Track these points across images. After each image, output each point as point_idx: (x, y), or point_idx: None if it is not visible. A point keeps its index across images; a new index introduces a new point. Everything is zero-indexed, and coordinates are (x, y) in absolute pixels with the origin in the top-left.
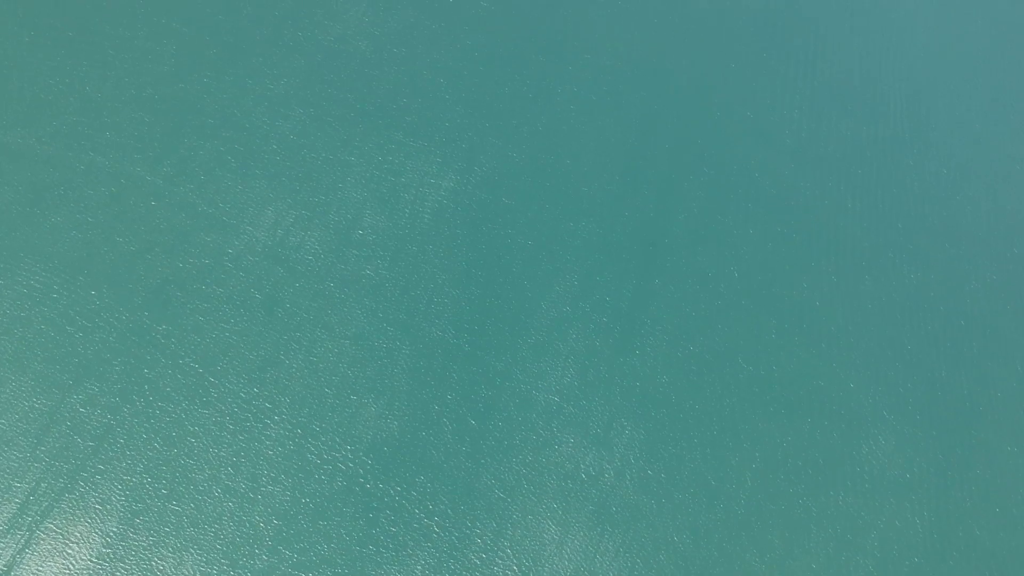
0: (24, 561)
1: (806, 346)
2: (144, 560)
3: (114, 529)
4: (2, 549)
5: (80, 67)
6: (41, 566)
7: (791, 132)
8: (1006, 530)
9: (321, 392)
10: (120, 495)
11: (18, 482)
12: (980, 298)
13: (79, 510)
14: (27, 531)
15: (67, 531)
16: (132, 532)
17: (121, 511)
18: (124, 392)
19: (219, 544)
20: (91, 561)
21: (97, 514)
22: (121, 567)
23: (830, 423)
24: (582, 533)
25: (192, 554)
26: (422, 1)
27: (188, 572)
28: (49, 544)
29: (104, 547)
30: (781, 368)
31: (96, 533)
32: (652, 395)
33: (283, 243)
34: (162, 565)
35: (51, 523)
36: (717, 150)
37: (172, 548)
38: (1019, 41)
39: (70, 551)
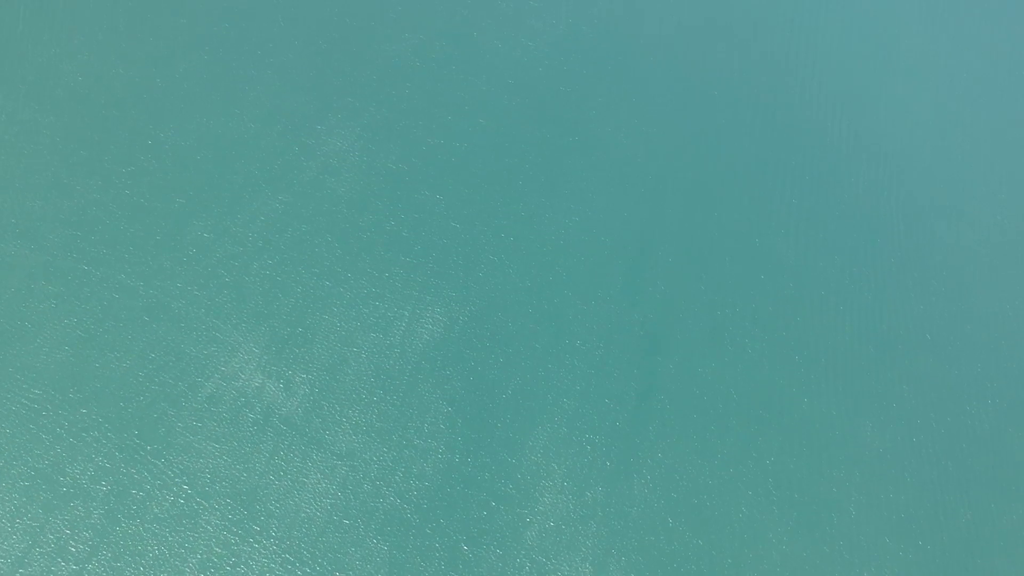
0: None
1: (805, 469)
2: None
3: None
4: None
5: (78, 180)
6: None
7: (792, 249)
8: None
9: (312, 515)
10: None
11: None
12: (982, 419)
13: None
14: None
15: None
16: None
17: None
18: (110, 513)
19: None
20: None
21: None
22: None
23: (830, 549)
24: None
25: None
26: (412, 129)
27: None
28: None
29: None
30: (780, 492)
31: None
32: (650, 522)
33: (278, 361)
34: None
35: None
36: (717, 267)
37: None
38: (1019, 163)
39: None
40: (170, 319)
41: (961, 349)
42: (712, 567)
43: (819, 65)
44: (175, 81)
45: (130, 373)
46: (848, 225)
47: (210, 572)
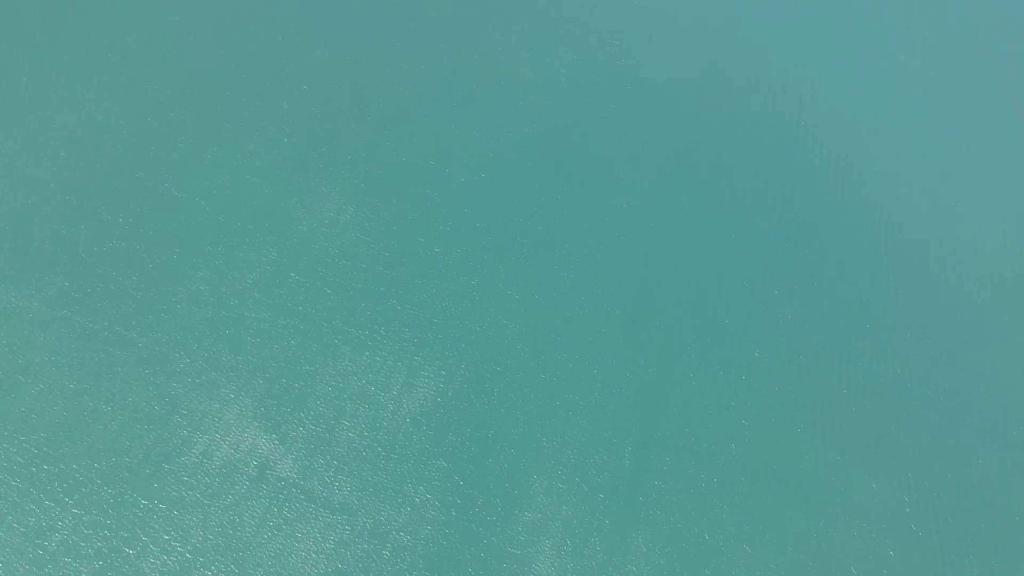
0: None
1: (805, 526)
2: None
3: None
4: None
5: (74, 230)
6: None
7: (790, 301)
8: None
9: (307, 572)
10: None
11: None
12: (986, 474)
13: None
14: None
15: None
16: None
17: None
18: (103, 571)
19: None
20: None
21: None
22: None
23: None
24: None
25: None
26: (410, 182)
27: None
28: None
29: None
30: (780, 550)
31: None
32: None
33: (273, 414)
34: None
35: None
36: (716, 320)
37: None
38: (1017, 213)
39: None
40: (165, 372)
41: (963, 402)
42: None
43: (817, 116)
44: (173, 132)
45: (124, 427)
46: (846, 277)
47: None
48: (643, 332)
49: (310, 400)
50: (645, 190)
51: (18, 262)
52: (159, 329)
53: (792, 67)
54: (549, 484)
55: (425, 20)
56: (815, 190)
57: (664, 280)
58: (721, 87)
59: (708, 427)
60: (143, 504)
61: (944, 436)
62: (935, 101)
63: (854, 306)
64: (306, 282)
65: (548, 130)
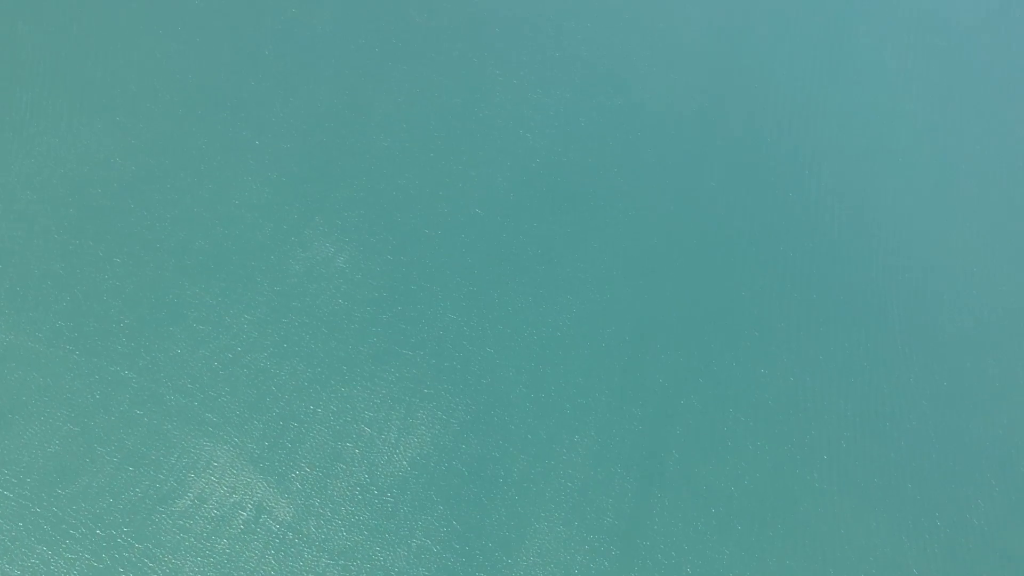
0: None
1: (808, 571)
2: None
3: None
4: None
5: (72, 269)
6: None
7: (792, 342)
8: None
9: None
10: None
11: None
12: (989, 517)
13: None
14: None
15: None
16: None
17: None
18: None
19: None
20: None
21: None
22: None
23: None
24: None
25: None
26: (408, 220)
27: None
28: None
29: None
30: None
31: None
32: None
33: (270, 456)
34: None
35: None
36: (717, 360)
37: None
38: (1020, 249)
39: None
40: (162, 413)
41: (966, 445)
42: None
43: (817, 150)
44: (171, 171)
45: (120, 469)
46: (848, 318)
47: None
48: (643, 372)
49: (307, 442)
50: (644, 228)
51: (14, 300)
52: (155, 369)
53: (790, 103)
54: (548, 527)
55: (424, 58)
56: (816, 226)
57: (664, 319)
58: (720, 124)
59: (709, 469)
60: (137, 548)
61: (946, 477)
62: (937, 134)
63: (855, 345)
64: (303, 322)
65: (547, 167)
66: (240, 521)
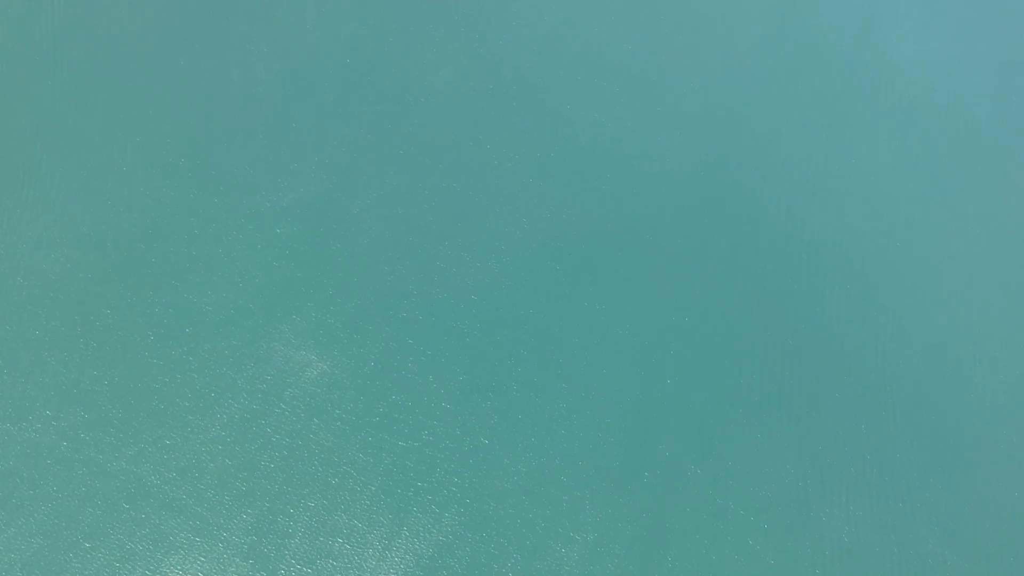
0: None
1: None
2: None
3: None
4: None
5: (63, 358)
6: None
7: (792, 432)
8: None
9: None
10: None
11: None
12: None
13: None
14: None
15: None
16: None
17: None
18: None
19: None
20: None
21: None
22: None
23: None
24: None
25: None
26: (404, 306)
27: None
28: None
29: None
30: None
31: None
32: None
33: (259, 548)
34: None
35: None
36: (717, 451)
37: None
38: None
39: None
40: (151, 505)
41: (971, 538)
42: None
43: (818, 236)
44: (161, 255)
45: (106, 564)
46: (850, 408)
47: None
48: (642, 463)
49: (295, 536)
50: (642, 315)
51: (14, 394)
52: (143, 461)
53: (790, 184)
54: None
55: (417, 143)
56: (817, 312)
57: (664, 407)
58: (718, 209)
59: (709, 566)
60: None
61: (951, 572)
62: (938, 215)
63: (858, 435)
64: (293, 411)
65: (544, 252)
66: None
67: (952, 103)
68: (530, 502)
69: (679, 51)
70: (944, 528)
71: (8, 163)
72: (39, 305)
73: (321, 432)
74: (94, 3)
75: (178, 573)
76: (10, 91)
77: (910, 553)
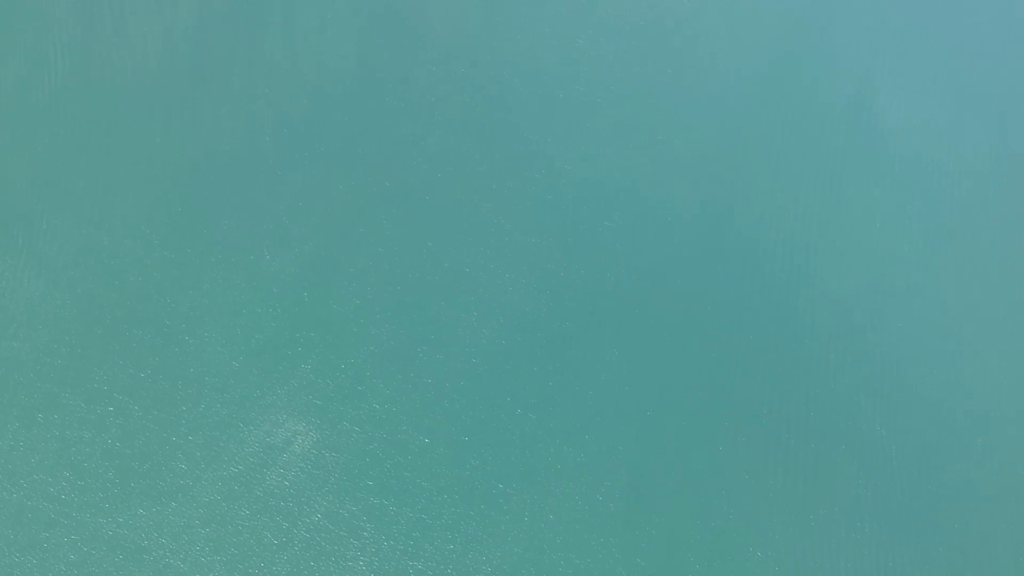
0: None
1: None
2: None
3: None
4: None
5: (55, 420)
6: None
7: (792, 494)
8: None
9: None
10: None
11: None
12: None
13: None
14: None
15: None
16: None
17: None
18: None
19: None
20: None
21: None
22: None
23: None
24: None
25: None
26: (402, 368)
27: None
28: None
29: None
30: None
31: None
32: None
33: None
34: None
35: None
36: (716, 512)
37: None
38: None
39: None
40: (144, 572)
41: None
42: None
43: (817, 303)
44: (155, 318)
45: None
46: (850, 470)
47: None
48: (639, 529)
49: None
50: (639, 378)
51: (9, 442)
52: (138, 526)
53: (788, 249)
54: None
55: (415, 202)
56: (816, 373)
57: (661, 471)
58: (717, 274)
59: None
60: None
61: None
62: (936, 278)
63: (860, 498)
64: (288, 479)
65: (540, 316)
66: None
67: (949, 162)
68: (529, 570)
69: (678, 110)
70: None
71: (6, 215)
72: (31, 368)
73: (315, 495)
74: (96, 61)
75: None
76: (9, 148)
77: None
